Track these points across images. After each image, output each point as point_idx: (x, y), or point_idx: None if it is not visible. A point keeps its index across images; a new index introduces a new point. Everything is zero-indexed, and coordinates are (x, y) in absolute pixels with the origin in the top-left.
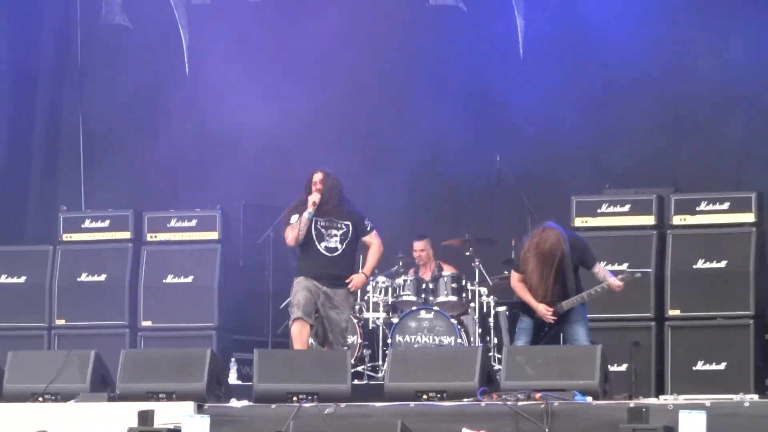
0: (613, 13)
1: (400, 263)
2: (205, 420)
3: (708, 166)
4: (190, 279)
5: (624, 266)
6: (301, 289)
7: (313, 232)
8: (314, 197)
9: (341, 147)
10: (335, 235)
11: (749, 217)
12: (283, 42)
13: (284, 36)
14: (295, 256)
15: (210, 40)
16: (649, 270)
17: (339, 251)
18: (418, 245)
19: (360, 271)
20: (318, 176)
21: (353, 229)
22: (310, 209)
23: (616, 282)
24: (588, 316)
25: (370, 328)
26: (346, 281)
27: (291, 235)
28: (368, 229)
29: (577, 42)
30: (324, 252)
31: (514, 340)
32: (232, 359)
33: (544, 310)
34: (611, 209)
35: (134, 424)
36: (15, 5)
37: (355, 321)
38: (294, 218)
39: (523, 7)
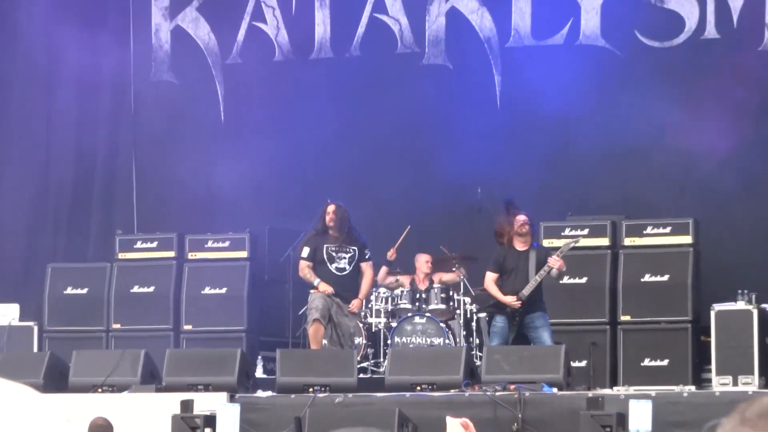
0: (566, 76)
1: (398, 275)
2: (236, 408)
3: (653, 197)
4: (223, 290)
5: (584, 279)
6: (318, 297)
7: (326, 256)
8: (327, 288)
9: (350, 181)
10: (344, 258)
11: (687, 239)
12: (298, 93)
13: (299, 88)
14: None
15: (241, 92)
16: (580, 234)
17: (347, 271)
18: (422, 258)
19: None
20: (331, 208)
21: (358, 254)
22: (319, 290)
23: (554, 259)
24: (553, 321)
25: (373, 330)
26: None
27: (301, 274)
28: (366, 257)
29: (543, 96)
30: (334, 271)
31: (489, 341)
32: (259, 357)
33: (510, 299)
34: (573, 233)
35: (177, 410)
36: (81, 64)
37: (360, 325)
38: (305, 251)
39: (500, 66)
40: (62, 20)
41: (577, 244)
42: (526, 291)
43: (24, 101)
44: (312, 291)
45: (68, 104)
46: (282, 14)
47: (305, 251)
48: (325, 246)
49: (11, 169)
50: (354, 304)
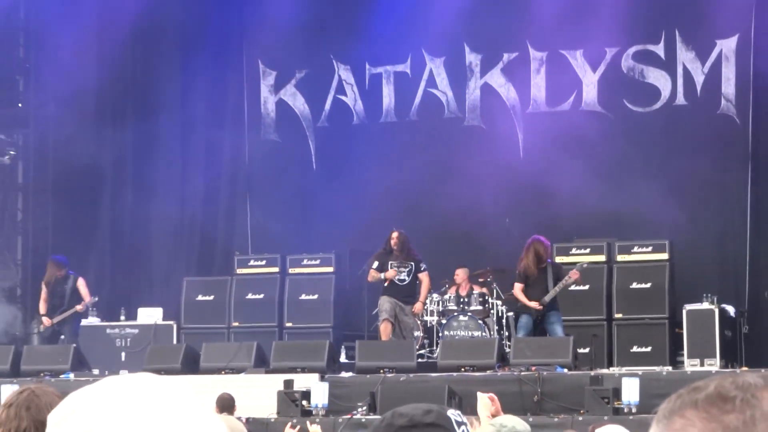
0: (572, 133)
1: (447, 285)
2: (325, 385)
3: (638, 223)
4: (315, 296)
5: (587, 287)
6: (386, 302)
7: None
8: (390, 274)
9: (410, 215)
10: (404, 272)
11: (664, 256)
12: (371, 148)
13: (372, 144)
14: (381, 285)
15: (327, 148)
16: (589, 258)
17: (407, 282)
18: (460, 272)
19: (418, 300)
20: (394, 234)
21: (415, 267)
22: (384, 276)
23: (574, 272)
24: (565, 318)
25: (428, 326)
26: (412, 303)
27: (369, 279)
28: (422, 269)
29: (555, 148)
30: (397, 282)
31: (517, 333)
32: (342, 346)
33: (534, 304)
34: (578, 251)
35: (281, 387)
36: (208, 129)
37: (419, 322)
38: (375, 264)
39: (522, 126)
40: (196, 93)
41: (582, 260)
42: (548, 298)
43: (165, 155)
44: (381, 297)
45: (199, 158)
46: (358, 89)
47: (375, 264)
48: (389, 263)
49: (156, 208)
50: (417, 308)
